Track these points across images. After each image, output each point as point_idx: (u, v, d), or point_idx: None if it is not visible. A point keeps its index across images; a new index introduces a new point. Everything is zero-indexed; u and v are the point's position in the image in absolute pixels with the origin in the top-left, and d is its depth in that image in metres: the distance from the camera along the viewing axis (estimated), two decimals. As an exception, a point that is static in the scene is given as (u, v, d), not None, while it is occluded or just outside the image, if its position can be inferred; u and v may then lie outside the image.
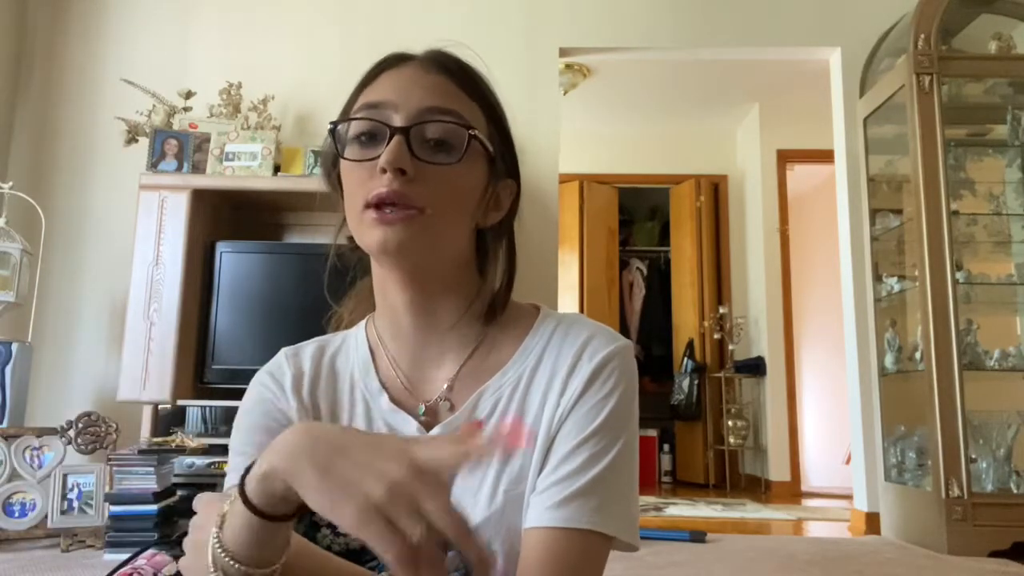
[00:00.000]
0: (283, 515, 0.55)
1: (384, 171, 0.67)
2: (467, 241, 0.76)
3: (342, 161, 0.73)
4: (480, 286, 0.79)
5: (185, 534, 0.63)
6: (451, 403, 0.75)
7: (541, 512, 0.68)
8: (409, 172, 0.68)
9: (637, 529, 0.72)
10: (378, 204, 0.68)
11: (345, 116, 0.74)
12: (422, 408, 0.76)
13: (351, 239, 0.76)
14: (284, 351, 0.82)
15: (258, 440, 0.76)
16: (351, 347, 0.81)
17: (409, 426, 0.75)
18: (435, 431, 0.74)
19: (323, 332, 0.87)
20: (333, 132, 0.73)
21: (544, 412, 0.73)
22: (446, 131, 0.70)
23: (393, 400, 0.76)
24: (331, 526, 0.72)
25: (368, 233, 0.69)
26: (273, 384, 0.78)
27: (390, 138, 0.68)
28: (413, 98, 0.70)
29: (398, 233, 0.68)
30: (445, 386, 0.76)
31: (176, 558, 0.71)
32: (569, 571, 0.66)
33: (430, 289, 0.75)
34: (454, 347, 0.77)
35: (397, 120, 0.70)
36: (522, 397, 0.74)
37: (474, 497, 0.72)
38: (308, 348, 0.82)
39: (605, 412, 0.71)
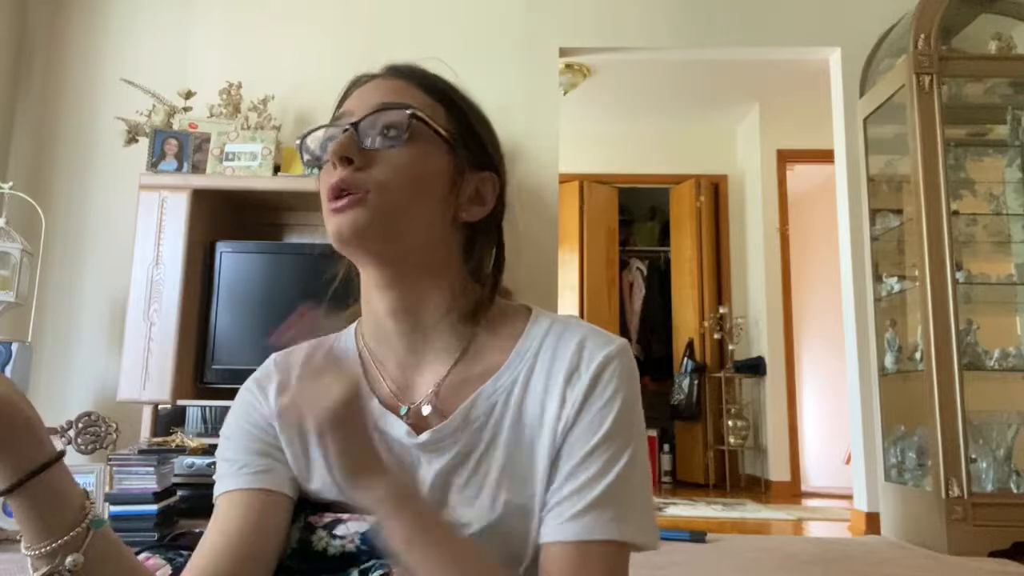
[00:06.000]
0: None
1: (335, 166, 0.71)
2: (438, 231, 0.75)
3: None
4: (465, 284, 0.77)
5: (178, 535, 0.64)
6: (440, 409, 0.74)
7: (557, 526, 0.68)
8: (357, 160, 0.70)
9: (656, 529, 0.71)
10: (333, 196, 0.71)
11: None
12: (405, 409, 0.75)
13: None
14: (274, 356, 0.82)
15: (242, 445, 0.76)
16: (340, 350, 0.82)
17: (399, 430, 0.74)
18: (424, 436, 0.73)
19: (331, 330, 0.87)
20: (301, 146, 0.78)
21: (544, 422, 0.71)
22: (392, 118, 0.73)
23: (383, 404, 0.76)
24: (327, 527, 0.72)
25: (328, 227, 0.72)
26: (257, 389, 0.79)
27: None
28: (369, 104, 0.74)
29: (348, 218, 0.70)
30: (432, 391, 0.75)
31: (170, 561, 0.71)
32: None
33: (411, 289, 0.75)
34: (439, 350, 0.76)
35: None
36: (518, 403, 0.73)
37: (472, 504, 0.71)
38: (297, 353, 0.82)
39: (610, 419, 0.70)
